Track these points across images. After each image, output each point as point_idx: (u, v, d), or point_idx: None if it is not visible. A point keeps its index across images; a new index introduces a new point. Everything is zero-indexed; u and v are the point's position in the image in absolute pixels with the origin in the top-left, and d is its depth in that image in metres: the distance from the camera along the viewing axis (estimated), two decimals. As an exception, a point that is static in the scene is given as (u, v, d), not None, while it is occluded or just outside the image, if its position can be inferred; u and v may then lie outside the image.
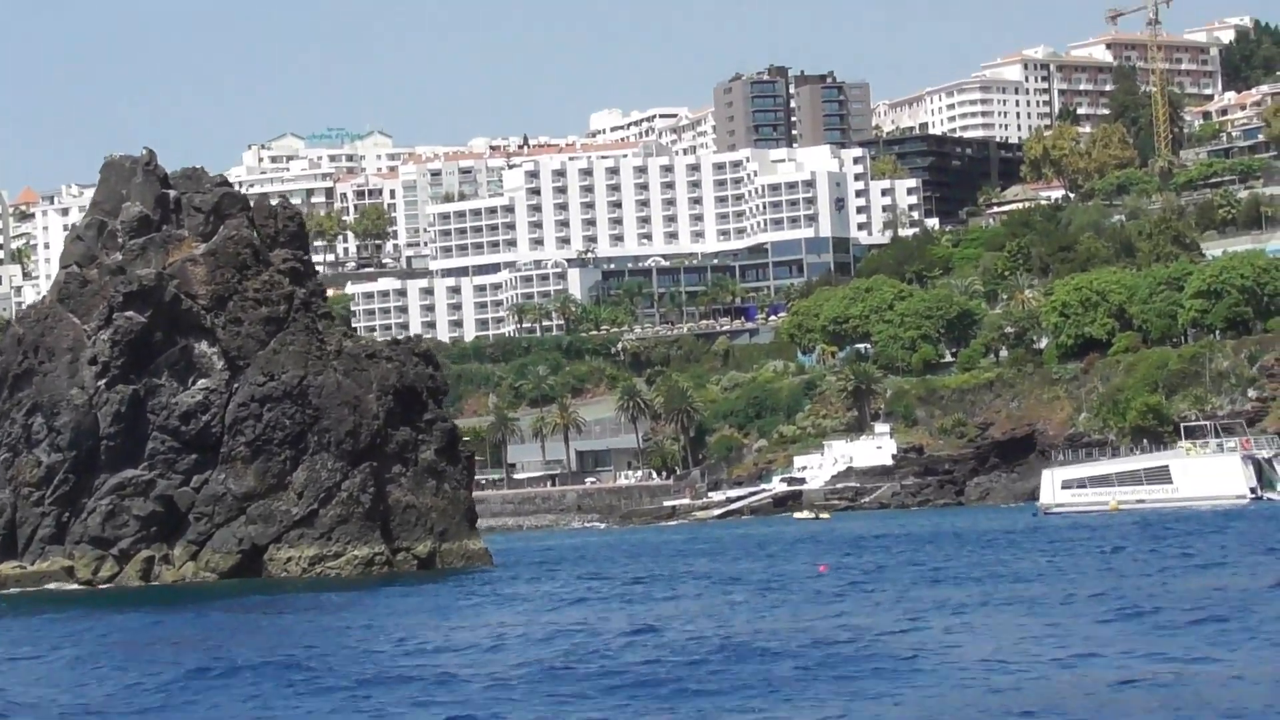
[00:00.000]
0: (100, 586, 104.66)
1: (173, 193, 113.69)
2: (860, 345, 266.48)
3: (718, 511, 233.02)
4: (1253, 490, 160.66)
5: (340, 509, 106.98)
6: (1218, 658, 49.98)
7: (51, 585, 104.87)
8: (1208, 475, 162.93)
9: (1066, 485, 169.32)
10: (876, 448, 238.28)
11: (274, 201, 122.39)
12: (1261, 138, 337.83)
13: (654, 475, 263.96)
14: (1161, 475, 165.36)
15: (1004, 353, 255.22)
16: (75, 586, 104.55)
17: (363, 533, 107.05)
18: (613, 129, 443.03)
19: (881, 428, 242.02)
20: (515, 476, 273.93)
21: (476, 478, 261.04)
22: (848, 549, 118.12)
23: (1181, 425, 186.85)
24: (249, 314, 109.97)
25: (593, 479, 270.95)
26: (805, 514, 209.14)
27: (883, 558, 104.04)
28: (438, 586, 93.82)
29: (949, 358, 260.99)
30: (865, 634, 58.84)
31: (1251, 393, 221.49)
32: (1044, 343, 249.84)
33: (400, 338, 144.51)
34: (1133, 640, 54.42)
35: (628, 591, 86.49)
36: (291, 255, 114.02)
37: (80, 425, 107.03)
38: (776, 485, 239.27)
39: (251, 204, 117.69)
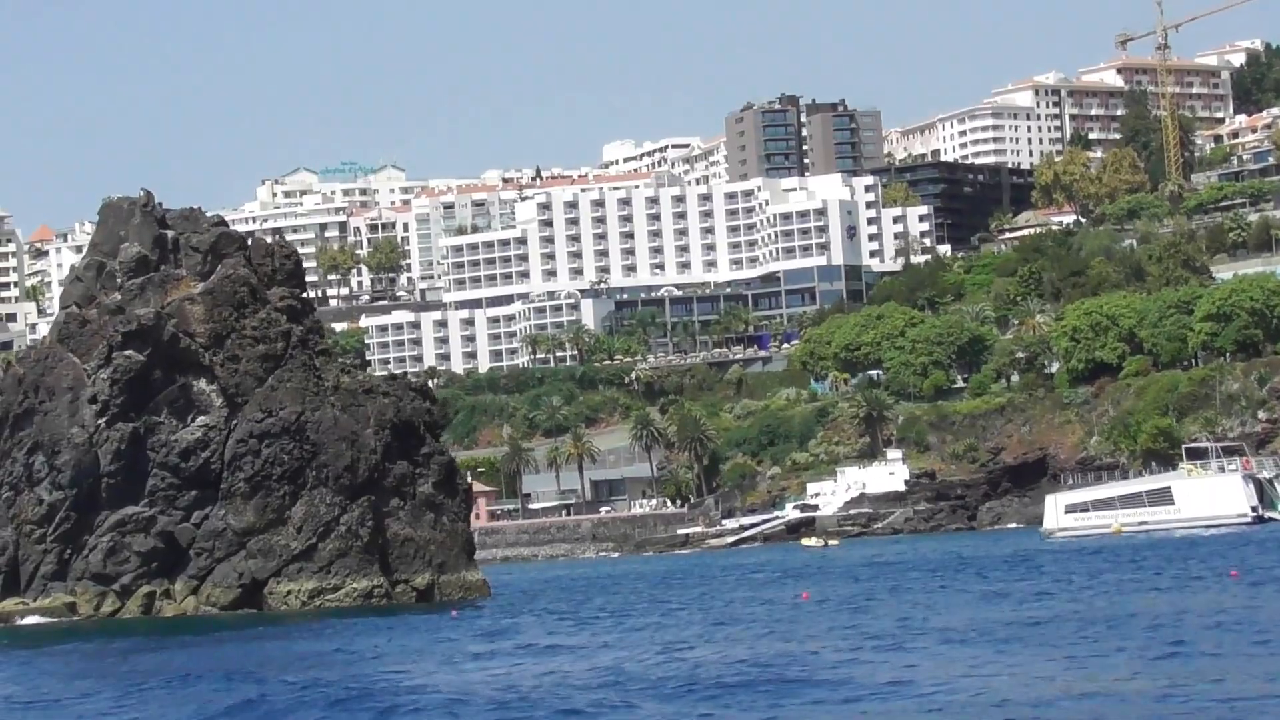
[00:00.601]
0: (38, 620, 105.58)
1: (170, 233, 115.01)
2: (872, 372, 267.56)
3: (731, 539, 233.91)
4: (1254, 510, 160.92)
5: (339, 543, 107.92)
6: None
7: (21, 620, 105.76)
8: (1209, 496, 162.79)
9: (1070, 509, 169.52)
10: (889, 474, 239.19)
11: (271, 239, 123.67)
12: (1272, 160, 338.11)
13: (668, 504, 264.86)
14: (1163, 497, 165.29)
15: (1015, 378, 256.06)
16: (35, 621, 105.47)
17: (361, 566, 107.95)
18: (625, 160, 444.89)
19: (894, 454, 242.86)
20: (530, 506, 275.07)
21: (492, 508, 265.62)
22: (838, 578, 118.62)
23: (1184, 447, 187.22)
24: (247, 351, 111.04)
25: (607, 508, 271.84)
26: (813, 541, 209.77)
27: (870, 586, 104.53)
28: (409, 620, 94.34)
29: (960, 383, 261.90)
30: (808, 662, 59.64)
31: (1261, 414, 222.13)
32: (1055, 367, 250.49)
33: (398, 373, 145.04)
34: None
35: (586, 624, 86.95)
36: (288, 293, 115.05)
37: (81, 463, 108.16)
38: (790, 512, 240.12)
39: (249, 243, 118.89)
